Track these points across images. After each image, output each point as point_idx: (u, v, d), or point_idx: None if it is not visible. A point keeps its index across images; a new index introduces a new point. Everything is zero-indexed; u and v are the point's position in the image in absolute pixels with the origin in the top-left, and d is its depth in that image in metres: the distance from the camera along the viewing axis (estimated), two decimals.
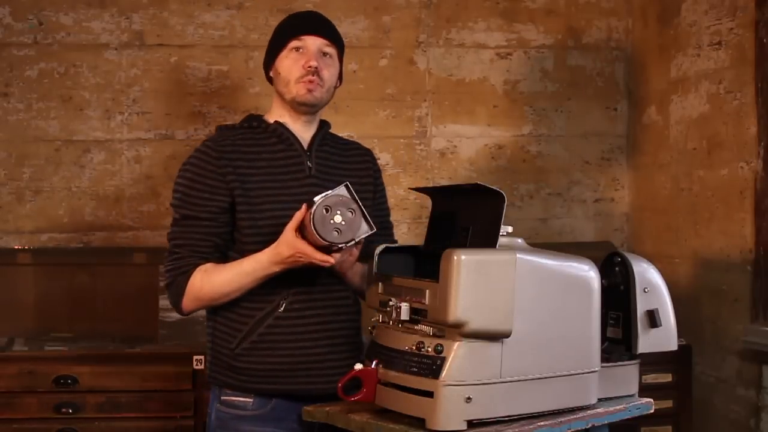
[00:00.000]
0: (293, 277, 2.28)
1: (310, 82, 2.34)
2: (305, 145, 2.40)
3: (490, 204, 2.08)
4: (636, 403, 2.22)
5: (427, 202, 2.42)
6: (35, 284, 3.67)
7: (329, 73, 2.39)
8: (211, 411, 2.38)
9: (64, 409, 3.23)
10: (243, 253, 2.31)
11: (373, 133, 3.97)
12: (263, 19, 3.86)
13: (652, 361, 2.99)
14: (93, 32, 3.80)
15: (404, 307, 2.07)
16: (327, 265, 2.18)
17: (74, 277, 3.69)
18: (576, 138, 4.14)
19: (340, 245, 2.12)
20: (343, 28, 3.93)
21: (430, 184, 3.92)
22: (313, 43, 2.37)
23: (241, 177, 2.31)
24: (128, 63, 3.82)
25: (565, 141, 4.13)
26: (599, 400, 2.15)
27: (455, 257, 1.94)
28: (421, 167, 4.01)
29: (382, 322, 2.18)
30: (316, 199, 2.10)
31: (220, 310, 2.35)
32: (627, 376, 2.24)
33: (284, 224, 2.25)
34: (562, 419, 2.05)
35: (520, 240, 2.13)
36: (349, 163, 2.49)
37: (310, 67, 2.34)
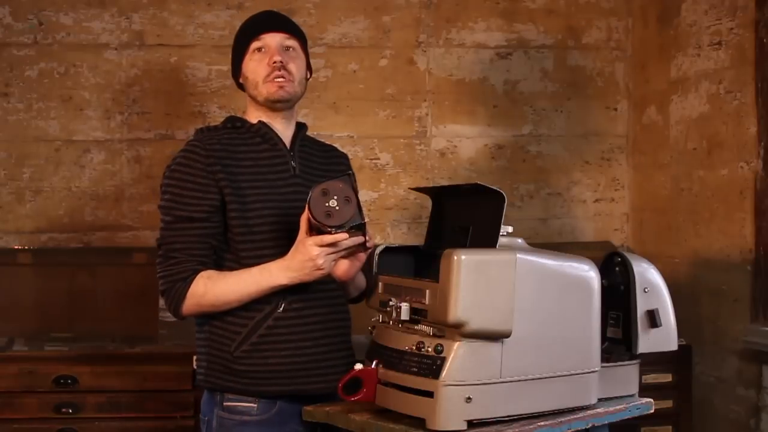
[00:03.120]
0: None
1: (279, 77, 2.34)
2: (287, 144, 2.40)
3: (490, 204, 2.08)
4: (636, 403, 2.22)
5: (427, 202, 2.42)
6: (35, 284, 3.67)
7: (296, 66, 2.38)
8: (211, 418, 2.33)
9: (64, 409, 3.23)
10: (237, 255, 2.29)
11: (373, 133, 3.97)
12: None
13: (652, 361, 2.99)
14: (93, 32, 3.80)
15: (404, 307, 2.07)
16: (337, 240, 2.11)
17: (74, 277, 3.69)
18: (576, 138, 4.14)
19: (329, 228, 2.10)
20: (343, 28, 3.95)
21: (430, 184, 3.92)
22: (272, 39, 2.36)
23: (230, 176, 2.28)
24: (128, 63, 3.82)
25: (565, 141, 4.13)
26: (599, 400, 2.15)
27: (455, 257, 1.94)
28: (421, 167, 4.01)
29: (382, 322, 2.19)
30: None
31: (216, 313, 2.31)
32: (627, 376, 2.25)
33: (274, 223, 2.25)
34: (562, 419, 2.05)
35: (520, 240, 2.13)
36: (329, 164, 2.49)
37: (275, 63, 2.33)
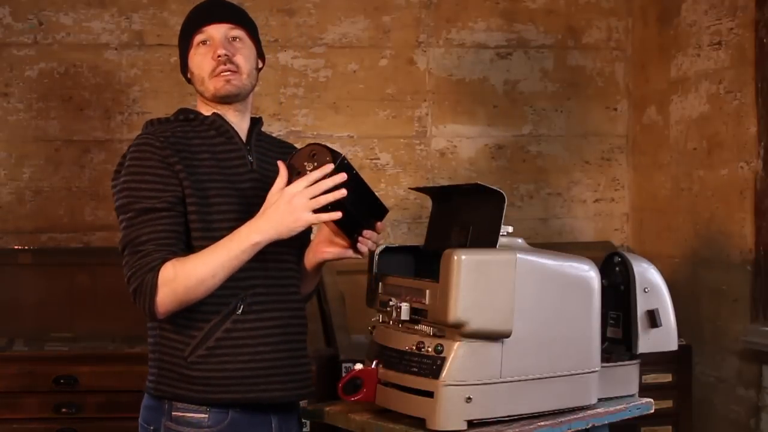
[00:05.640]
0: (250, 276, 2.15)
1: (226, 72, 2.20)
2: (243, 137, 2.27)
3: (490, 204, 2.08)
4: (636, 403, 2.22)
5: (427, 202, 2.42)
6: (35, 284, 3.66)
7: (243, 57, 2.22)
8: (157, 427, 2.18)
9: (64, 409, 3.22)
10: (193, 252, 2.13)
11: (373, 133, 3.97)
12: (263, 19, 3.85)
13: (652, 361, 2.99)
14: (93, 32, 3.80)
15: (404, 307, 2.07)
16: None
17: (74, 277, 3.68)
18: (576, 138, 4.14)
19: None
20: (343, 28, 3.95)
21: (430, 184, 3.91)
22: (216, 31, 2.22)
23: (189, 169, 2.13)
24: (128, 63, 3.82)
25: (565, 141, 4.13)
26: (599, 400, 2.15)
27: (455, 257, 1.94)
28: (421, 167, 4.01)
29: (382, 322, 2.19)
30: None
31: (193, 303, 2.11)
32: (627, 376, 2.25)
33: (234, 220, 2.13)
34: (563, 419, 2.06)
35: (520, 240, 2.13)
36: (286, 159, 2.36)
37: (219, 57, 2.19)
